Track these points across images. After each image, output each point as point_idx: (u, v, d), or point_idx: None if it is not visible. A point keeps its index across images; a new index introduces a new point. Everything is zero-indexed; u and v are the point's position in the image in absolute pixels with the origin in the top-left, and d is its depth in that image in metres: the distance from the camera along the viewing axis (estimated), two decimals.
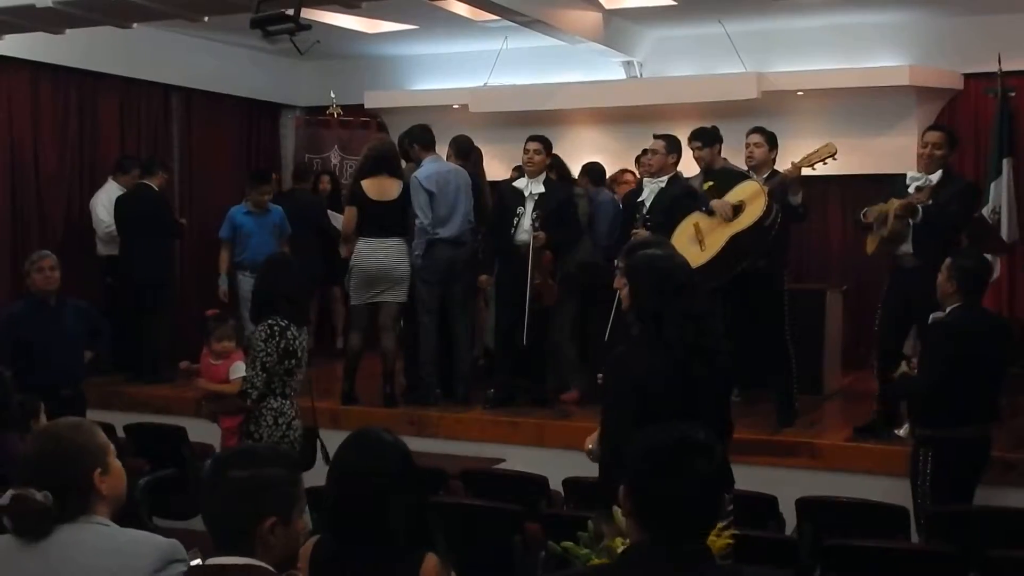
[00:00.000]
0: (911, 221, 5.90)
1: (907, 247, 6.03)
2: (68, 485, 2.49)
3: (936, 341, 4.89)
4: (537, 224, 6.99)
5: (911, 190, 6.00)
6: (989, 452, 4.97)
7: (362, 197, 7.27)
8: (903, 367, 5.07)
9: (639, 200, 6.96)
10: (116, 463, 2.64)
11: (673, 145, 6.98)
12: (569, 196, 7.33)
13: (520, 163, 7.45)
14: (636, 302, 3.56)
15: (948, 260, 4.98)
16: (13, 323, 6.22)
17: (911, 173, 6.17)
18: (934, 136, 6.09)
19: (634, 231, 6.66)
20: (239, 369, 5.38)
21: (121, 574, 2.43)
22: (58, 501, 2.45)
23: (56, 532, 2.47)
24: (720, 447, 2.28)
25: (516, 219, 7.10)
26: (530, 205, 7.09)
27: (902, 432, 5.36)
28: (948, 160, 6.09)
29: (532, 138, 7.24)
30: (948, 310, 4.91)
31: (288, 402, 4.96)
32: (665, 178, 6.91)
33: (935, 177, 5.99)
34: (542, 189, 7.12)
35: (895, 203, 5.96)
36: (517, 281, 7.04)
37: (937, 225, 5.86)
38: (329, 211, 9.19)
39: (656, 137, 7.10)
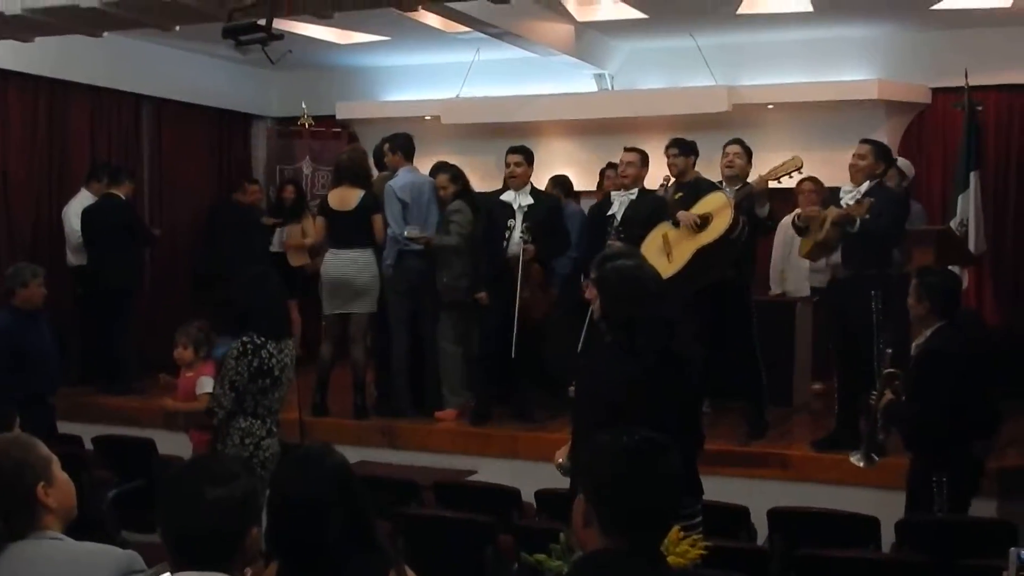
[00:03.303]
0: (847, 230, 5.98)
1: (838, 257, 6.14)
2: (11, 502, 2.44)
3: (930, 370, 4.73)
4: (527, 237, 6.98)
5: (845, 202, 6.09)
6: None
7: (327, 208, 7.30)
8: (887, 394, 4.90)
9: (609, 214, 6.98)
10: (61, 475, 2.60)
11: (645, 158, 7.08)
12: (556, 206, 7.34)
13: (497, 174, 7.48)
14: (607, 312, 3.57)
15: (914, 281, 4.89)
16: (7, 334, 6.16)
17: (845, 186, 6.29)
18: (861, 148, 6.23)
19: (609, 243, 6.70)
20: (205, 384, 5.23)
21: None
22: (2, 519, 2.40)
23: (7, 551, 2.41)
24: (677, 452, 2.28)
25: (508, 232, 7.09)
26: (519, 217, 7.09)
27: (855, 459, 5.29)
28: (878, 173, 6.19)
29: (513, 150, 7.20)
30: (929, 333, 4.79)
31: (259, 421, 4.76)
32: (636, 191, 6.96)
33: (863, 188, 6.09)
34: (530, 201, 7.11)
35: (833, 211, 6.06)
36: (506, 294, 7.02)
37: (871, 238, 5.95)
38: (270, 220, 9.25)
39: (628, 150, 7.14)
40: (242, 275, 5.13)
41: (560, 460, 3.77)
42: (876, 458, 5.23)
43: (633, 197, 6.96)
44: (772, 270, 8.14)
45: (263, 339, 4.72)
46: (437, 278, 7.23)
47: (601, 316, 3.61)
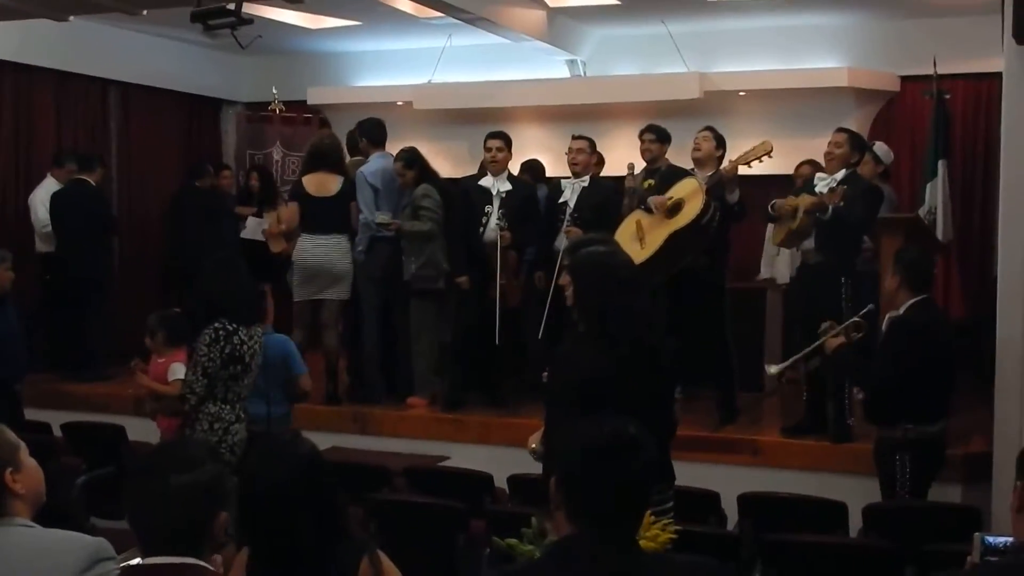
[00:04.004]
0: (819, 217, 6.03)
1: (810, 243, 6.19)
2: None
3: (897, 338, 4.83)
4: (504, 223, 6.97)
5: (818, 189, 6.14)
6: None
7: (302, 193, 7.22)
8: (824, 326, 5.05)
9: (561, 201, 7.01)
10: (30, 461, 2.59)
11: (594, 146, 7.16)
12: (532, 194, 7.32)
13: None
14: (580, 299, 3.57)
15: (893, 259, 4.97)
16: None
17: (820, 174, 6.34)
18: (837, 137, 6.26)
19: (566, 229, 6.73)
20: (177, 371, 5.21)
21: (47, 575, 2.38)
22: None
23: None
24: (651, 441, 2.29)
25: (485, 218, 7.07)
26: (496, 203, 7.07)
27: (772, 370, 5.50)
28: (852, 162, 6.24)
29: (493, 135, 7.18)
30: (903, 308, 4.86)
31: (228, 407, 4.78)
32: (587, 177, 7.01)
33: (839, 176, 6.14)
34: (509, 187, 7.10)
35: (806, 198, 6.10)
36: (483, 280, 6.99)
37: (843, 226, 6.00)
38: (245, 210, 9.16)
39: (577, 137, 7.18)
40: (210, 262, 5.13)
41: (533, 446, 3.77)
42: (775, 370, 5.45)
43: (585, 184, 7.00)
44: (765, 255, 8.17)
45: (234, 326, 4.74)
46: (404, 265, 7.15)
47: (574, 303, 3.62)
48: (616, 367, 3.42)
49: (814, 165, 7.34)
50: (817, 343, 5.12)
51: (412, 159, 7.18)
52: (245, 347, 4.76)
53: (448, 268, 7.10)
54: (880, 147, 7.53)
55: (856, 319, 5.06)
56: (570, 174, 7.14)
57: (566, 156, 7.19)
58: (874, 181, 6.88)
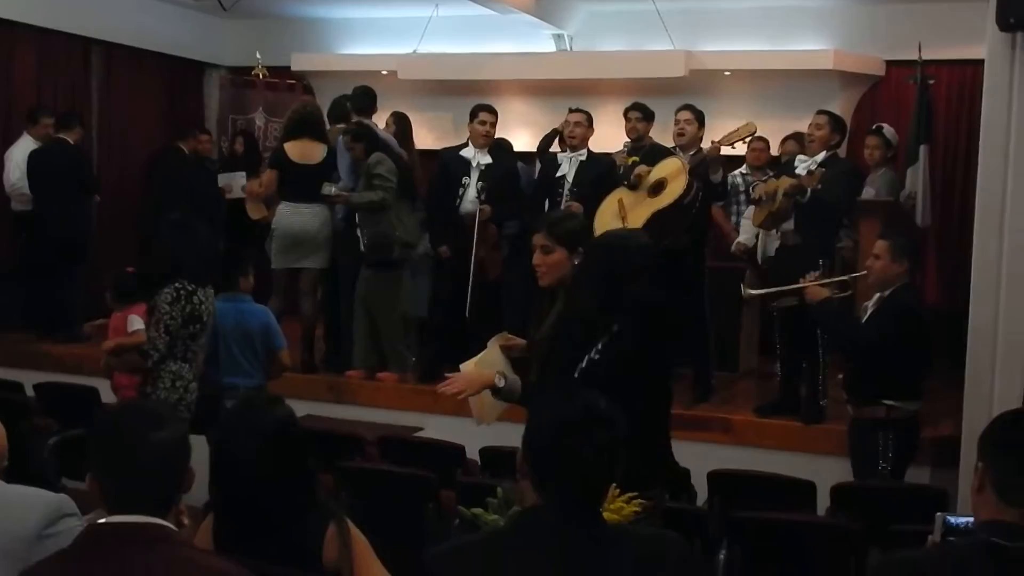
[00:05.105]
0: (798, 200, 6.05)
1: (789, 224, 6.21)
2: None
3: (893, 316, 4.84)
4: (483, 196, 6.94)
5: (799, 171, 6.16)
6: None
7: (284, 160, 7.17)
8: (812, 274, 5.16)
9: (559, 175, 6.98)
10: None
11: (591, 119, 7.13)
12: (513, 168, 7.30)
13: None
14: (587, 280, 3.46)
15: (882, 243, 4.94)
16: None
17: (800, 156, 6.37)
18: (819, 119, 6.30)
19: (567, 204, 6.71)
20: (135, 322, 5.31)
21: (10, 530, 2.38)
22: None
23: None
24: (620, 416, 2.29)
25: (461, 189, 7.03)
26: (475, 176, 7.04)
27: (750, 293, 5.73)
28: (833, 144, 6.27)
29: (485, 108, 7.15)
30: (892, 289, 4.89)
31: (187, 366, 4.88)
32: (584, 151, 6.99)
33: (819, 158, 6.16)
34: (489, 160, 7.07)
35: (786, 181, 6.13)
36: (459, 253, 6.97)
37: (822, 208, 6.03)
38: (221, 174, 9.01)
39: (574, 110, 7.15)
40: (166, 223, 5.19)
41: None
42: (753, 294, 5.69)
43: (583, 158, 6.98)
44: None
45: (193, 286, 4.82)
46: (358, 238, 6.99)
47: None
48: (629, 356, 3.35)
49: (799, 140, 7.34)
50: (801, 285, 5.19)
51: (360, 134, 6.97)
52: (203, 307, 4.87)
53: (403, 238, 6.96)
54: (889, 129, 7.45)
55: (845, 278, 5.11)
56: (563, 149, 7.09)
57: (562, 129, 7.13)
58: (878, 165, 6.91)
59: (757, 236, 7.06)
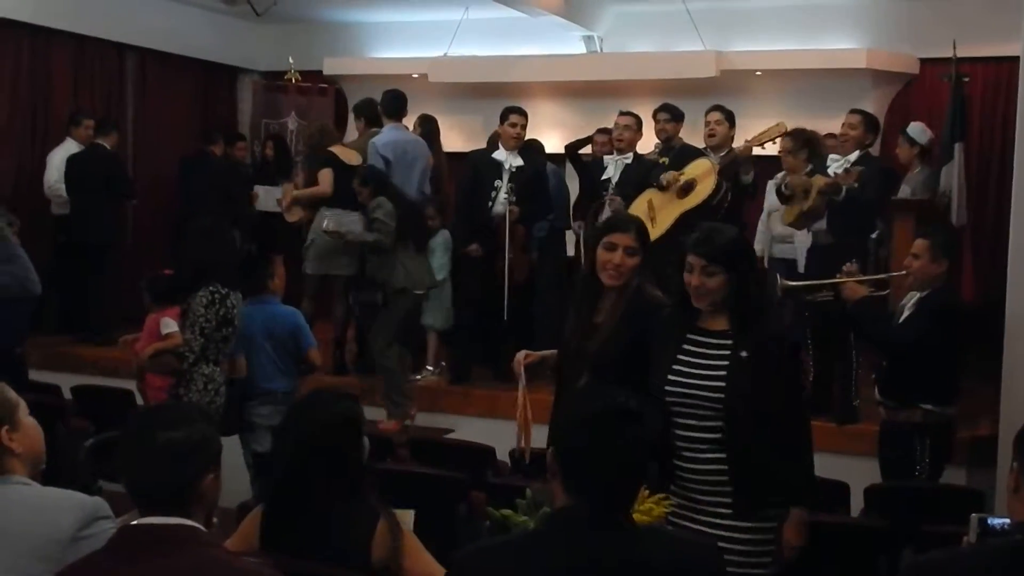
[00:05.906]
0: (833, 199, 6.00)
1: (822, 224, 6.16)
2: None
3: (935, 316, 4.74)
4: (513, 198, 6.96)
5: (832, 171, 6.11)
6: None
7: (337, 161, 7.19)
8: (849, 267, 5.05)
9: (604, 177, 7.00)
10: (28, 420, 2.60)
11: (640, 122, 7.12)
12: (543, 170, 7.33)
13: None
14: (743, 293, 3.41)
15: (922, 242, 4.83)
16: None
17: (833, 155, 6.32)
18: (852, 119, 6.27)
19: (610, 197, 6.73)
20: (169, 324, 5.32)
21: (45, 533, 2.40)
22: None
23: None
24: (654, 416, 2.29)
25: (494, 192, 7.06)
26: (507, 178, 7.06)
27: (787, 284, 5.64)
28: (866, 144, 6.22)
29: (516, 110, 7.16)
30: (931, 290, 4.78)
31: (219, 369, 4.99)
32: (631, 154, 7.01)
33: (852, 158, 6.11)
34: (520, 162, 7.09)
35: (820, 180, 6.07)
36: (491, 255, 6.98)
37: (856, 207, 5.97)
38: (258, 186, 8.98)
39: (624, 113, 7.15)
40: (194, 228, 5.28)
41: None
42: (789, 285, 5.47)
43: (628, 161, 7.00)
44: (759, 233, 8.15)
45: (226, 290, 4.91)
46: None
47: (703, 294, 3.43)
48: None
49: (835, 139, 7.27)
50: (839, 280, 5.03)
51: (367, 178, 6.91)
52: (235, 310, 4.97)
53: (397, 284, 6.73)
54: (915, 127, 7.35)
55: (883, 276, 5.02)
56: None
57: (612, 132, 7.14)
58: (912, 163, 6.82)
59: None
